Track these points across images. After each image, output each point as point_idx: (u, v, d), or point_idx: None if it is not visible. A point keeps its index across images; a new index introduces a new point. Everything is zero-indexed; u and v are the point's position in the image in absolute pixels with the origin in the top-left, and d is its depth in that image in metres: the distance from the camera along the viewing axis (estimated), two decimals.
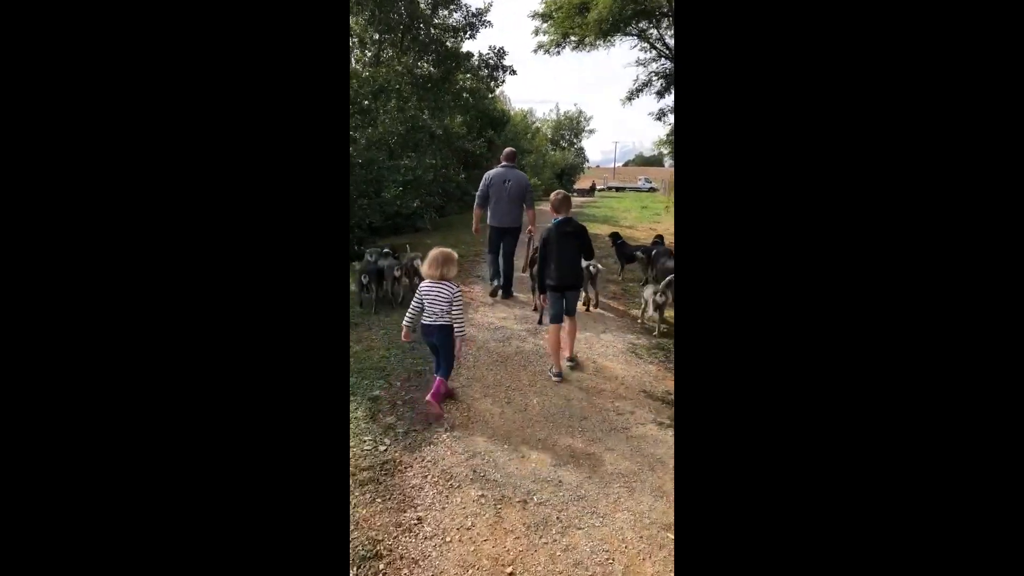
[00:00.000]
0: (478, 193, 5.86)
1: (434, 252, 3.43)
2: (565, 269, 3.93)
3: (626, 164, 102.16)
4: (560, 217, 3.97)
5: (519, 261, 6.44)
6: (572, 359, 4.31)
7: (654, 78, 14.46)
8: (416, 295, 3.47)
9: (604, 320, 5.76)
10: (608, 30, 13.56)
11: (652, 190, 42.27)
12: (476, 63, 14.59)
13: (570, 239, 3.93)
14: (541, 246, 3.98)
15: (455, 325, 3.39)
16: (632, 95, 14.84)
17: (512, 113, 18.78)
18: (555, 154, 32.76)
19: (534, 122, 31.29)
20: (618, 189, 45.10)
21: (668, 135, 14.48)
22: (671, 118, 14.49)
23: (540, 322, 5.13)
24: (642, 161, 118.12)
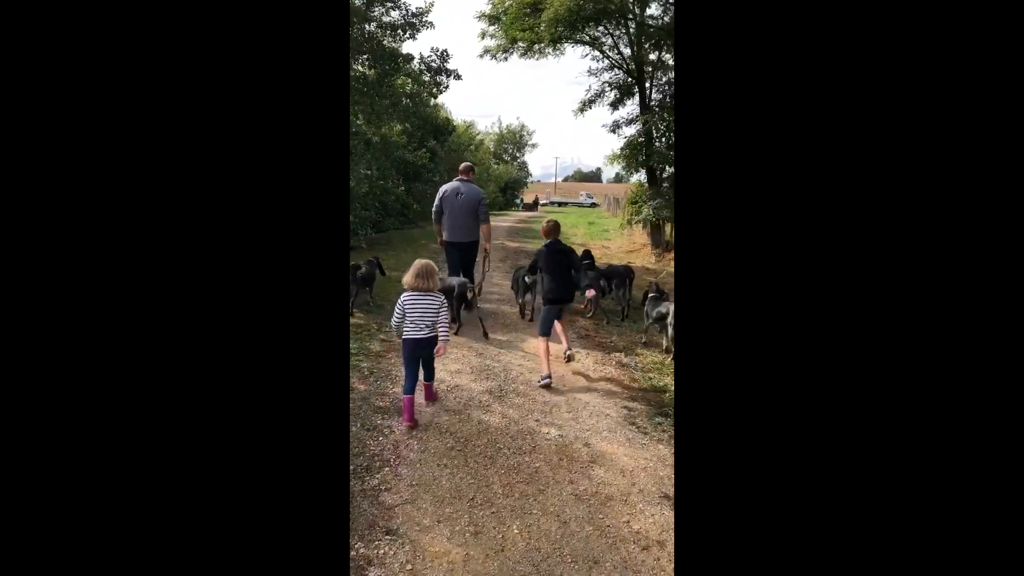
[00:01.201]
0: (434, 207, 5.71)
1: (419, 263, 3.46)
2: (558, 284, 4.38)
3: (565, 179, 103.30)
4: (549, 240, 4.50)
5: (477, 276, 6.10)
6: (569, 354, 4.53)
7: (607, 88, 13.68)
8: (398, 306, 3.42)
9: (585, 374, 4.59)
10: (561, 34, 12.68)
11: (594, 205, 42.52)
12: (417, 66, 13.31)
13: (558, 256, 4.41)
14: (530, 267, 4.88)
15: (440, 331, 3.42)
16: (584, 106, 13.98)
17: (456, 123, 17.52)
18: (499, 168, 31.87)
19: (477, 134, 30.23)
20: (560, 204, 45.12)
21: (623, 149, 13.53)
22: (627, 131, 13.73)
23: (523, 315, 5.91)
24: (581, 176, 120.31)
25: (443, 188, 5.74)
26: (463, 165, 5.96)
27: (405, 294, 3.42)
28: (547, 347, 4.24)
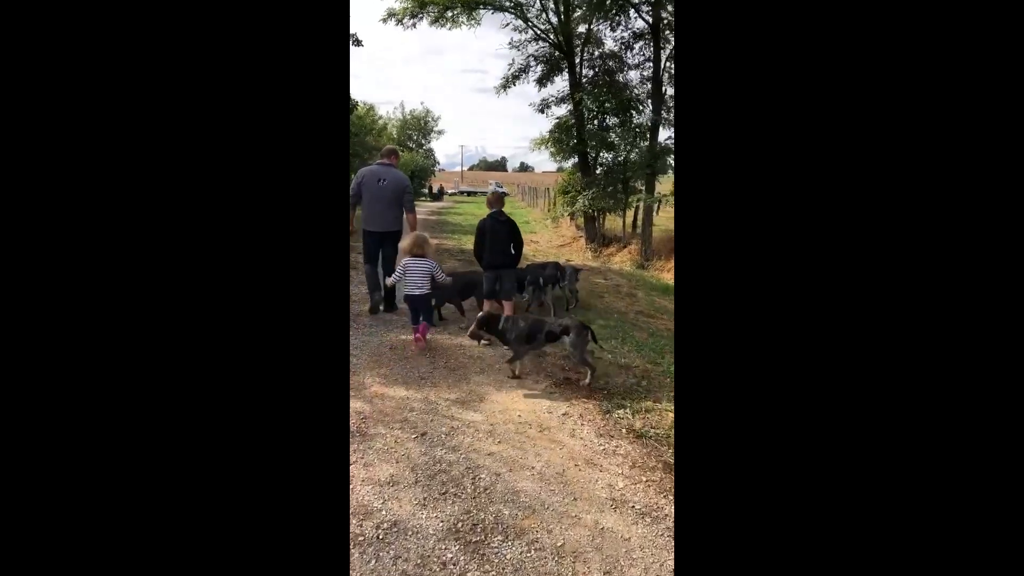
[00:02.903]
0: (350, 191, 5.23)
1: (414, 235, 4.59)
2: (497, 252, 4.78)
3: (471, 168, 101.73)
4: (494, 210, 4.91)
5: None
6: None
7: (532, 62, 12.09)
8: (399, 269, 4.45)
9: (593, 461, 2.95)
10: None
11: (504, 195, 41.31)
12: None
13: (501, 227, 4.83)
14: (478, 233, 4.93)
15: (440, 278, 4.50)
16: (508, 82, 12.29)
17: (356, 103, 14.88)
18: (404, 155, 29.51)
19: (379, 118, 27.59)
20: (469, 193, 43.55)
21: (552, 132, 11.98)
22: (557, 110, 12.23)
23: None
24: (486, 166, 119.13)
25: (361, 171, 5.33)
26: (385, 148, 5.77)
27: (405, 259, 4.35)
28: (491, 307, 4.63)
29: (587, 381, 3.89)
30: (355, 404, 3.45)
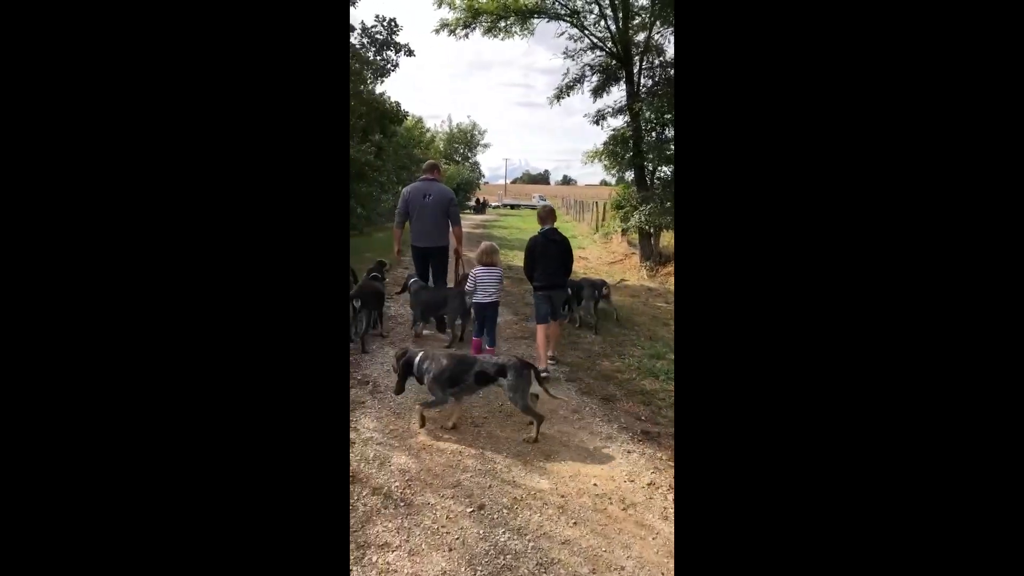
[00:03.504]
0: (397, 211, 5.31)
1: (484, 245, 4.60)
2: (550, 272, 4.38)
3: (514, 181, 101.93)
4: (546, 227, 4.51)
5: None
6: (554, 358, 4.51)
7: (588, 72, 11.55)
8: (470, 279, 4.50)
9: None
10: (536, 5, 10.56)
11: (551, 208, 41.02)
12: (358, 38, 10.76)
13: (553, 246, 4.42)
14: (528, 251, 4.48)
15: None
16: (562, 93, 11.79)
17: (407, 113, 14.52)
18: (450, 168, 29.44)
19: (427, 130, 27.58)
20: (513, 206, 43.36)
21: (606, 144, 11.41)
22: (613, 122, 11.64)
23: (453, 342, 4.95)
24: (529, 179, 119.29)
25: (407, 189, 5.24)
26: (428, 163, 5.56)
27: (477, 268, 4.48)
28: (544, 338, 4.28)
29: (532, 436, 3.22)
30: (400, 459, 2.95)
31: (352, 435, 3.19)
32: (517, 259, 9.06)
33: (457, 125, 38.64)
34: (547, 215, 4.60)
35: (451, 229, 5.16)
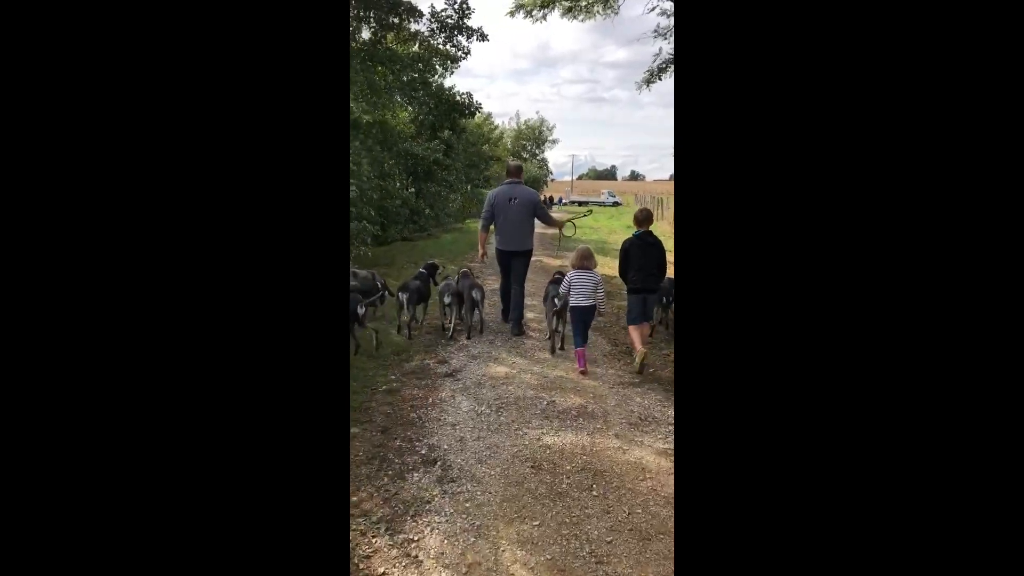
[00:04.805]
0: (483, 215, 5.29)
1: (581, 248, 4.55)
2: (644, 275, 4.33)
3: (580, 177, 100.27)
4: (641, 230, 4.42)
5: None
6: (643, 361, 4.32)
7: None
8: (566, 282, 4.43)
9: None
10: None
11: (616, 204, 39.46)
12: (427, 24, 9.89)
13: (650, 249, 4.37)
14: (622, 254, 4.49)
15: (598, 302, 4.37)
16: (653, 76, 10.53)
17: (479, 106, 13.40)
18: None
19: (495, 127, 26.80)
20: (580, 203, 41.96)
21: None
22: None
23: (552, 352, 4.78)
24: (595, 175, 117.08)
25: (492, 194, 5.31)
26: (511, 165, 5.47)
27: (572, 271, 4.44)
28: (639, 334, 4.30)
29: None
30: None
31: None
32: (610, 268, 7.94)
33: (525, 122, 37.76)
34: (644, 218, 4.51)
35: (537, 230, 5.26)
